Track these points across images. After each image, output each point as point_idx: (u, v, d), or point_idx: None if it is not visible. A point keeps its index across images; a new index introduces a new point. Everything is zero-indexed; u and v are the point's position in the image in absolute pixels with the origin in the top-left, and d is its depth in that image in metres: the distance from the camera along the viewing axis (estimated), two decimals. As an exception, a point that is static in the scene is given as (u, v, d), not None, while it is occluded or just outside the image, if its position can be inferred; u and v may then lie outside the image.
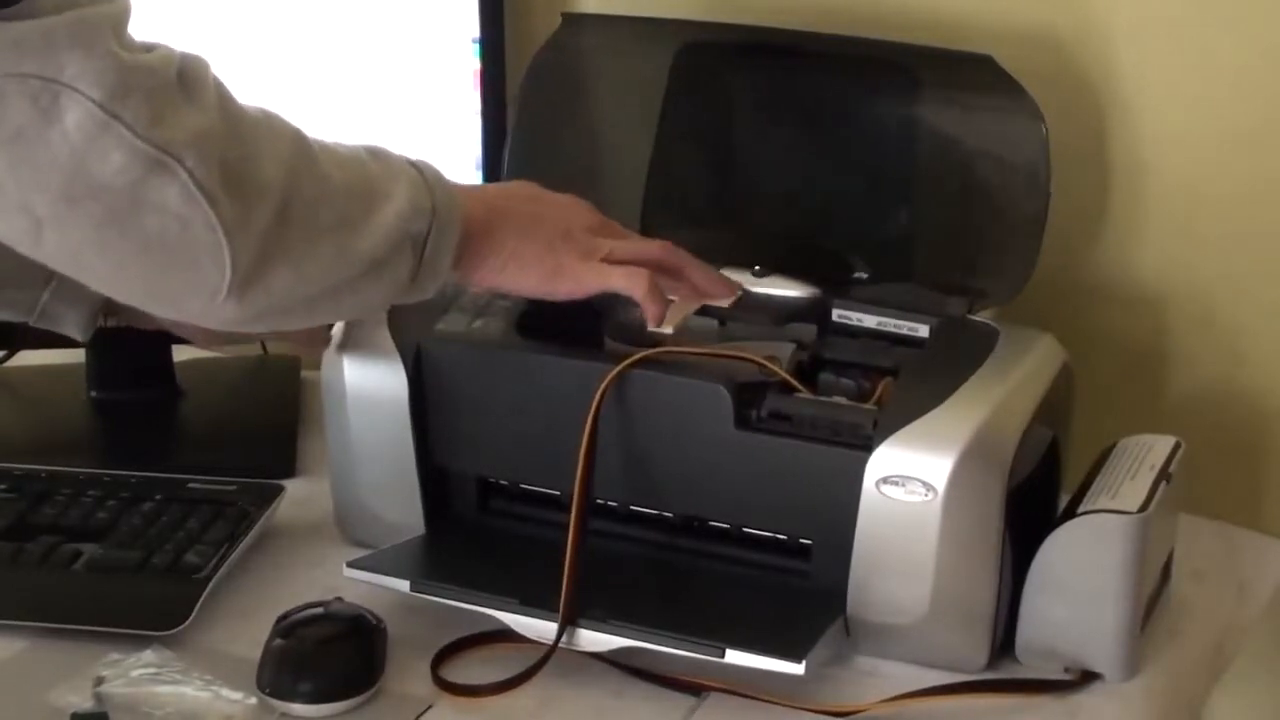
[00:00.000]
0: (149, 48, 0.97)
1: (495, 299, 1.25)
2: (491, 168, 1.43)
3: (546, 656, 1.10)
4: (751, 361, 1.18)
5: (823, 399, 1.17)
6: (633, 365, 1.16)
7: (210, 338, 1.29)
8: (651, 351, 1.17)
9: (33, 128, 0.90)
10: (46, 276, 1.20)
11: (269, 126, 1.01)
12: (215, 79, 1.00)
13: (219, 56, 1.37)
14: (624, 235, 1.20)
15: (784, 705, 1.10)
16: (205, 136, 0.95)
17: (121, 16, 0.96)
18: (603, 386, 1.15)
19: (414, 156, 1.10)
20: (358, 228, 1.02)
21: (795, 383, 1.17)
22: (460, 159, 1.44)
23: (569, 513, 1.20)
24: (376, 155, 1.08)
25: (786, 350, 1.21)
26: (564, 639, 1.11)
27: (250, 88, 1.39)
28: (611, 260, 1.16)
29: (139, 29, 1.37)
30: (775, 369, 1.18)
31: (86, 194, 0.92)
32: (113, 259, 0.96)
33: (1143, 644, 1.16)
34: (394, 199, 1.04)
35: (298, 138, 1.02)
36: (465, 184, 1.14)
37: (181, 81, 0.97)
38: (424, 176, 1.08)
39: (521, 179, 1.25)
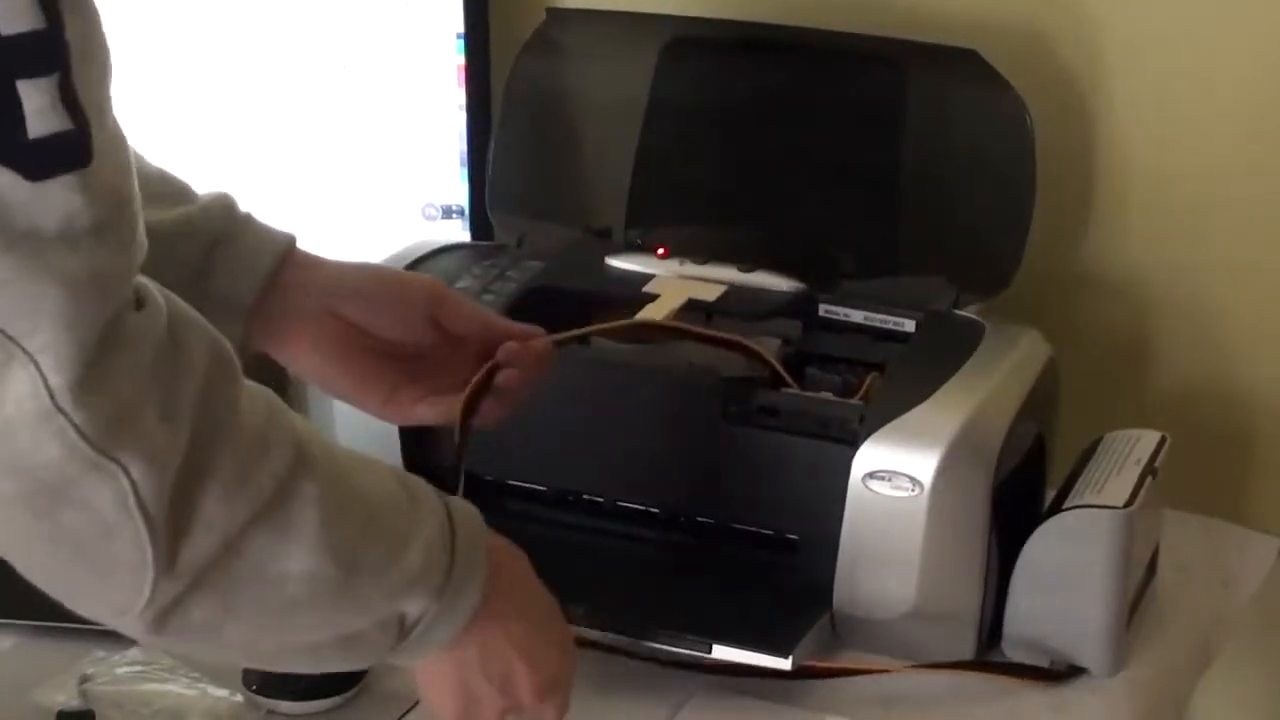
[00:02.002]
0: (140, 298, 0.79)
1: (482, 293, 1.25)
2: (476, 165, 1.43)
3: None
4: (744, 348, 1.19)
5: (809, 394, 1.18)
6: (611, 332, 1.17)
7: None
8: (662, 323, 1.19)
9: None
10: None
11: (259, 440, 0.82)
12: (207, 354, 0.81)
13: (203, 53, 1.40)
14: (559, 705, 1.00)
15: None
16: (167, 450, 0.78)
17: (134, 265, 0.79)
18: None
19: (458, 503, 0.92)
20: (335, 589, 0.84)
21: (785, 374, 1.18)
22: (444, 155, 1.44)
23: (557, 510, 1.22)
24: (410, 491, 0.89)
25: (772, 346, 1.22)
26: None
27: (235, 84, 1.41)
28: None
29: (125, 25, 1.39)
30: (768, 356, 1.18)
31: (3, 468, 0.76)
32: (15, 537, 0.80)
33: (1128, 638, 1.17)
34: (400, 565, 0.87)
35: (296, 458, 0.83)
36: (504, 551, 0.95)
37: (160, 363, 0.79)
38: (454, 537, 0.89)
39: (506, 193, 1.25)
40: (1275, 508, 1.38)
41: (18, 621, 1.17)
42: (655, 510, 1.20)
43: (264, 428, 0.83)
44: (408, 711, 1.11)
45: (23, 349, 0.75)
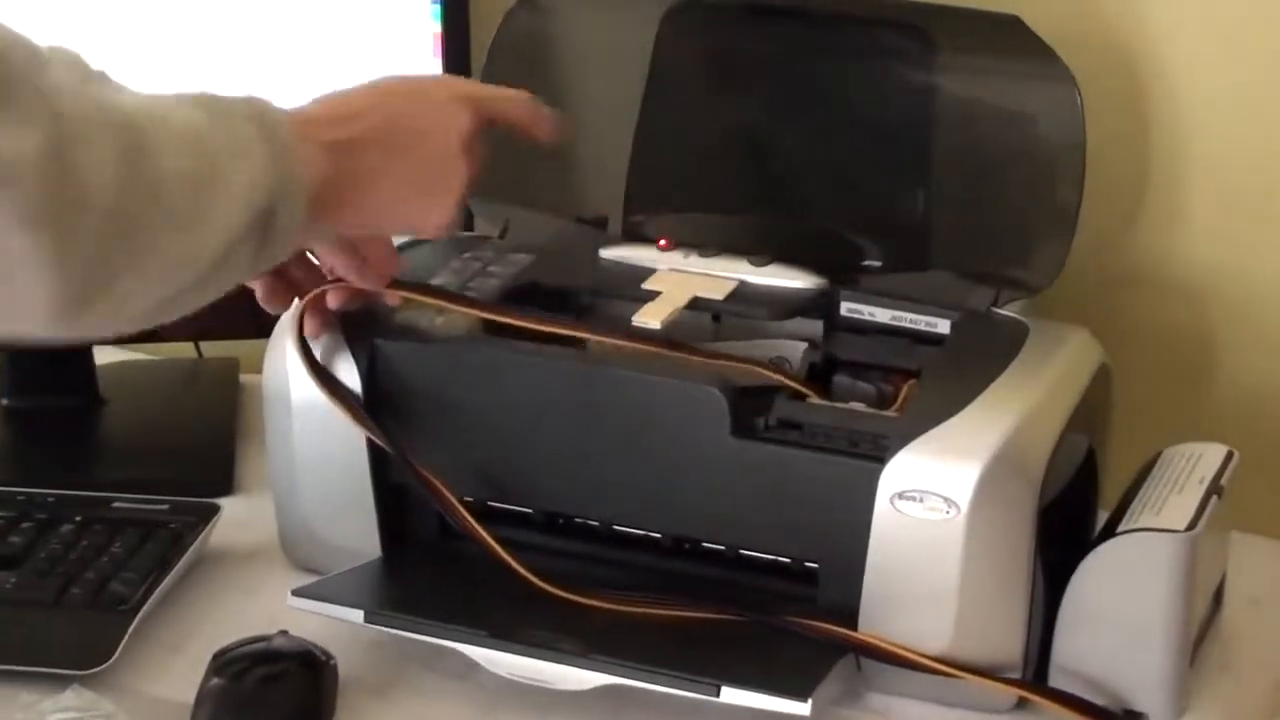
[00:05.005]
0: None
1: (463, 290, 1.25)
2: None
3: None
4: (754, 369, 1.18)
5: (839, 405, 1.18)
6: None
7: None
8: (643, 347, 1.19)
9: None
10: None
11: (98, 117, 0.96)
12: (41, 56, 0.96)
13: (164, 16, 1.41)
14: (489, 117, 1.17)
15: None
16: (32, 157, 0.91)
17: None
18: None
19: (252, 100, 1.06)
20: (197, 224, 1.00)
21: (804, 389, 1.18)
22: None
23: (543, 534, 1.22)
24: (214, 119, 1.04)
25: (797, 350, 1.23)
26: (542, 678, 1.11)
27: (197, 51, 1.41)
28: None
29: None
30: (779, 378, 1.18)
31: None
32: None
33: (1191, 680, 1.16)
34: (236, 179, 1.02)
35: (127, 124, 0.98)
36: (314, 114, 1.10)
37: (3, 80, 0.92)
38: (269, 142, 1.04)
39: (487, 177, 1.23)
40: (1356, 530, 1.39)
41: (-65, 664, 1.17)
42: (657, 536, 1.20)
43: (97, 104, 0.96)
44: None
45: None
